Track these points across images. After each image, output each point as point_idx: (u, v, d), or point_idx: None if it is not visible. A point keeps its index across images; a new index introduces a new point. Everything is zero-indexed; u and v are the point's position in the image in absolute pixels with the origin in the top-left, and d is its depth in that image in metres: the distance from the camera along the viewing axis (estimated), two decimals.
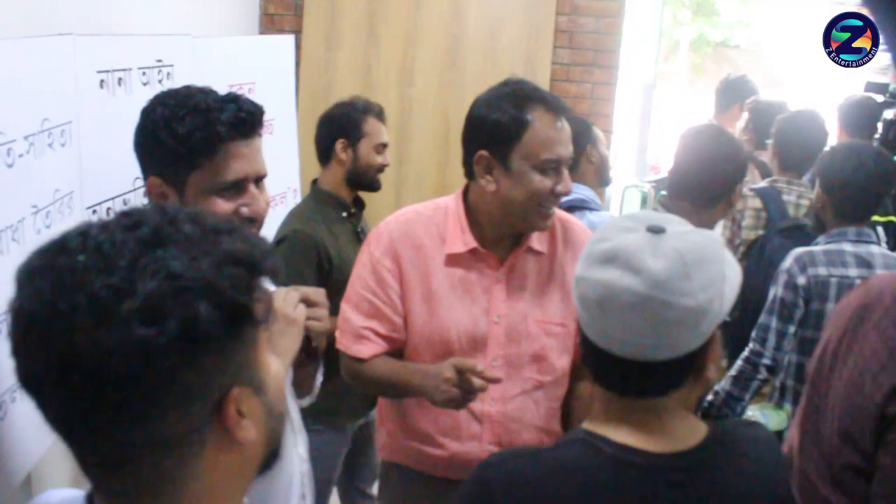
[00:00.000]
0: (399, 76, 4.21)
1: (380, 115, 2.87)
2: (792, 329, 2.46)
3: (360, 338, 1.86)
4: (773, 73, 11.68)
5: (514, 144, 1.74)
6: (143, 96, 2.13)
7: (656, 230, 1.11)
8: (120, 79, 2.02)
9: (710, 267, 1.10)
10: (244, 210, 1.48)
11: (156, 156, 1.50)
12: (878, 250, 2.51)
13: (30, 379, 0.73)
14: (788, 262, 2.50)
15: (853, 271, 2.44)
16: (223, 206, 1.47)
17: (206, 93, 1.53)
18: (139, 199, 2.16)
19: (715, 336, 1.14)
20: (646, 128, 5.32)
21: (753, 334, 2.52)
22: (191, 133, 1.46)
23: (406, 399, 1.89)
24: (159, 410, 0.71)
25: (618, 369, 1.13)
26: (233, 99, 1.51)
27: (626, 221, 1.16)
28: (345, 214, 2.73)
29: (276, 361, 0.84)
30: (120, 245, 0.71)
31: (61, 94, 1.72)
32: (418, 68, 4.20)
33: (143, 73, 2.15)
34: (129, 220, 0.75)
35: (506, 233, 1.85)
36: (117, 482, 0.76)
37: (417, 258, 1.85)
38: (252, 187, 1.52)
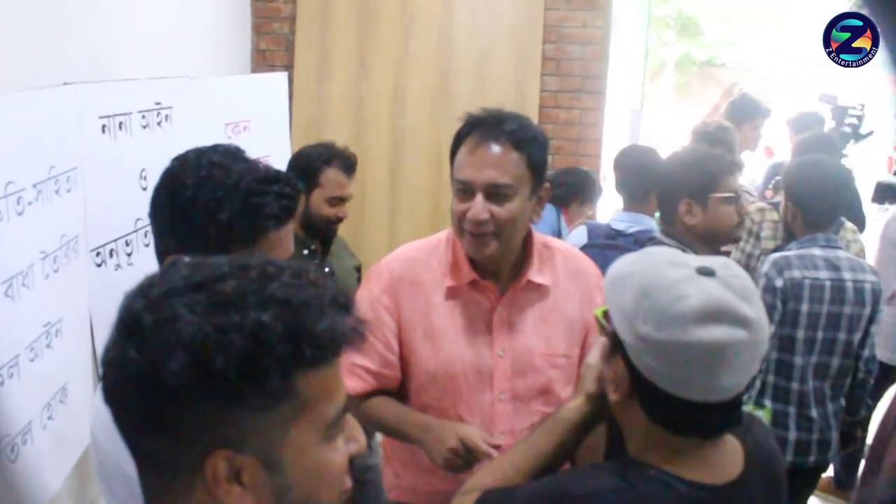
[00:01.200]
0: (390, 107, 4.27)
1: (347, 167, 2.76)
2: (772, 328, 2.58)
3: (351, 374, 1.85)
4: (759, 90, 11.82)
5: (452, 166, 1.78)
6: (144, 139, 2.20)
7: (708, 272, 1.15)
8: (121, 123, 2.08)
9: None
10: None
11: (183, 234, 1.37)
12: (844, 254, 2.70)
13: (103, 387, 0.82)
14: (766, 266, 2.67)
15: (823, 273, 2.62)
16: None
17: (245, 168, 1.43)
18: (140, 240, 2.20)
19: None
20: None
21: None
22: (232, 221, 1.38)
23: None
24: (153, 431, 0.78)
25: (699, 414, 1.15)
26: (274, 179, 1.44)
27: (673, 269, 1.17)
28: (306, 252, 2.71)
29: (334, 455, 0.84)
30: (162, 284, 0.80)
31: (66, 141, 1.77)
32: (409, 98, 4.26)
33: (143, 117, 2.21)
34: (195, 263, 0.83)
35: (500, 264, 1.84)
36: (146, 488, 0.82)
37: (417, 295, 1.84)
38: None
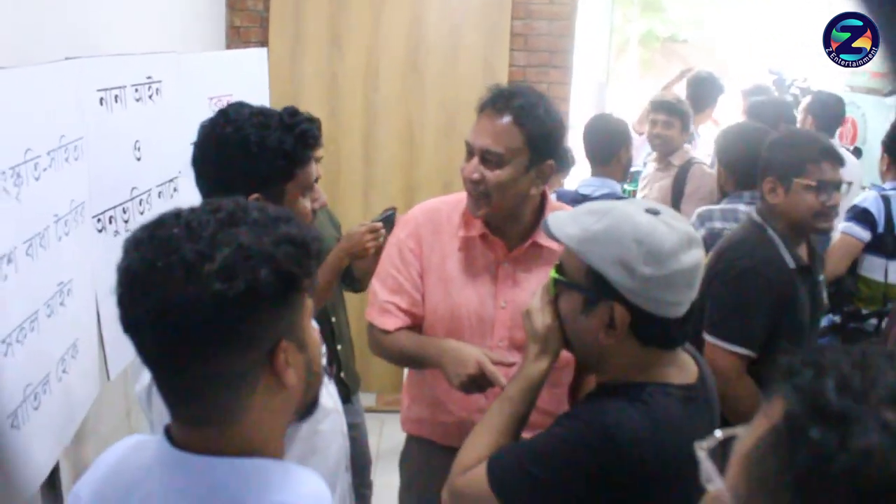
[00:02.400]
0: (364, 82, 4.38)
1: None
2: None
3: (385, 311, 2.06)
4: (722, 67, 12.02)
5: None
6: (137, 111, 2.31)
7: (654, 212, 1.37)
8: (116, 96, 2.18)
9: None
10: (315, 204, 1.79)
11: (251, 174, 1.65)
12: None
13: (130, 324, 0.93)
14: (692, 218, 2.95)
15: None
16: (306, 203, 1.76)
17: (273, 111, 1.77)
18: (135, 208, 2.32)
19: None
20: None
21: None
22: (291, 147, 1.71)
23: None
24: (225, 351, 0.92)
25: (674, 328, 1.37)
26: (297, 112, 1.77)
27: (638, 216, 1.36)
28: None
29: (315, 330, 1.06)
30: (204, 223, 0.93)
31: (72, 112, 1.87)
32: (382, 74, 4.38)
33: (136, 90, 2.32)
34: (210, 206, 0.97)
35: (503, 225, 2.01)
36: (191, 410, 0.97)
37: (436, 243, 2.05)
38: (316, 184, 1.83)
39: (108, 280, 2.04)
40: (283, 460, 1.03)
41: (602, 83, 5.08)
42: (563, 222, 1.43)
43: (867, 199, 3.37)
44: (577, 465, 1.33)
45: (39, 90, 1.73)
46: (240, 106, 1.80)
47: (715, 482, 0.71)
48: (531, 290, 1.98)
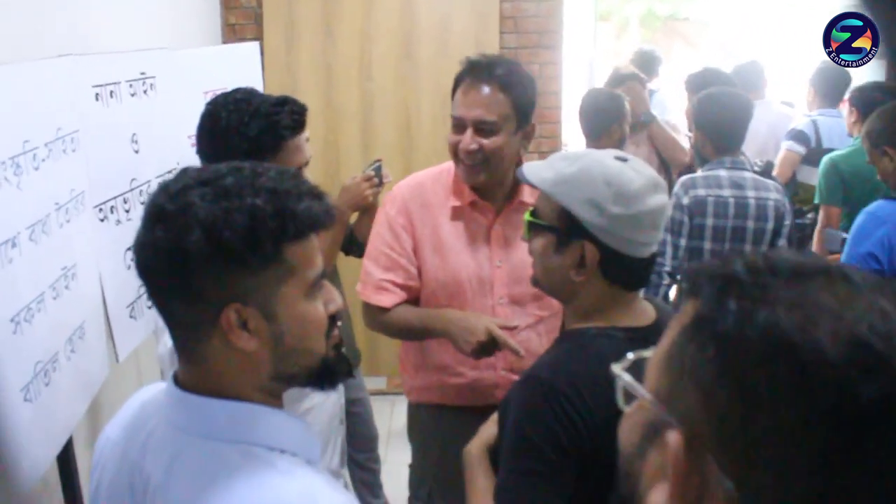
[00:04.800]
0: (358, 72, 4.47)
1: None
2: (683, 241, 2.94)
3: (381, 289, 2.14)
4: (723, 44, 12.00)
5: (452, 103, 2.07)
6: (132, 106, 2.41)
7: (623, 159, 1.47)
8: (111, 91, 2.28)
9: None
10: None
11: (222, 155, 1.70)
12: (750, 175, 3.00)
13: (135, 266, 1.04)
14: (676, 187, 3.00)
15: (727, 192, 2.94)
16: None
17: (262, 98, 1.88)
18: (136, 198, 2.42)
19: None
20: None
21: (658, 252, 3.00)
22: (259, 135, 1.82)
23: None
24: (170, 296, 1.03)
25: (639, 267, 1.47)
26: (284, 101, 1.87)
27: (608, 161, 1.45)
28: None
29: (315, 309, 1.08)
30: (180, 180, 1.04)
31: (67, 107, 1.97)
32: (375, 63, 4.46)
33: (130, 86, 2.42)
34: (209, 167, 1.07)
35: (493, 189, 2.12)
36: (178, 344, 1.08)
37: (427, 215, 2.14)
38: (303, 171, 1.90)
39: (111, 267, 2.16)
40: (273, 407, 1.10)
41: (592, 61, 5.16)
42: (537, 168, 1.53)
43: (802, 123, 4.26)
44: (543, 429, 1.37)
45: (36, 85, 1.83)
46: (234, 92, 1.95)
47: (636, 390, 0.74)
48: (522, 246, 2.11)
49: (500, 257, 2.13)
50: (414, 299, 2.18)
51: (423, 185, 2.19)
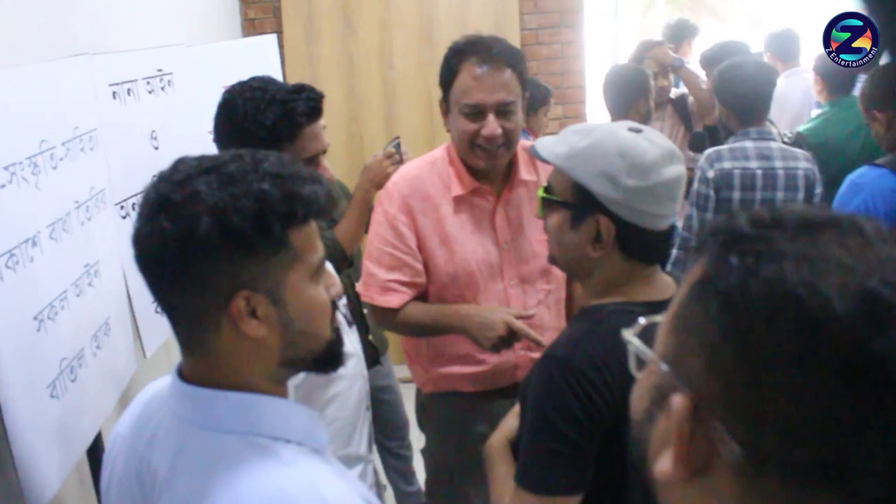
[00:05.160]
0: (379, 61, 4.47)
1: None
2: (709, 216, 2.88)
3: (388, 290, 2.10)
4: (753, 17, 11.79)
5: (449, 91, 2.03)
6: (150, 103, 2.43)
7: (637, 130, 1.43)
8: (129, 89, 2.30)
9: None
10: None
11: (240, 143, 1.71)
12: (777, 145, 2.93)
13: (136, 259, 1.04)
14: (701, 160, 2.94)
15: (754, 163, 2.87)
16: None
17: (278, 86, 1.86)
18: None
19: None
20: None
21: (681, 224, 2.93)
22: (275, 123, 1.81)
23: None
24: (179, 287, 1.01)
25: (656, 241, 1.44)
26: (300, 89, 1.87)
27: (622, 132, 1.42)
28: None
29: (319, 294, 1.08)
30: (183, 169, 1.03)
31: (84, 105, 1.99)
32: (396, 51, 4.45)
33: (148, 83, 2.43)
34: (211, 155, 1.06)
35: (498, 170, 2.10)
36: (178, 336, 1.07)
37: (428, 208, 2.10)
38: (322, 159, 1.90)
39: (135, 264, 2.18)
40: (279, 397, 1.09)
41: (616, 39, 5.10)
42: (550, 143, 1.49)
43: None
44: (563, 409, 1.35)
45: (52, 85, 1.85)
46: (251, 81, 1.95)
47: (644, 353, 0.73)
48: (525, 225, 2.12)
49: (505, 239, 2.11)
50: (421, 295, 2.16)
51: (420, 177, 2.14)
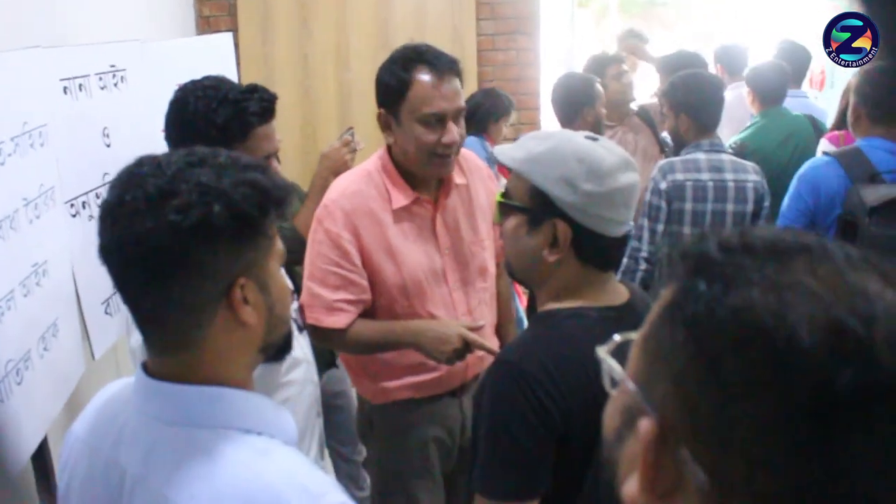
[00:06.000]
0: (335, 62, 4.44)
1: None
2: (660, 227, 2.93)
3: (334, 310, 2.05)
4: (702, 30, 12.00)
5: (401, 102, 1.98)
6: (102, 99, 2.37)
7: (593, 139, 1.45)
8: (80, 84, 2.25)
9: None
10: None
11: (191, 141, 1.72)
12: (728, 157, 2.99)
13: (102, 252, 1.01)
14: (654, 171, 2.98)
15: (705, 175, 2.92)
16: None
17: (231, 85, 1.87)
18: None
19: None
20: None
21: (631, 233, 2.97)
22: (227, 123, 1.81)
23: None
24: (181, 280, 0.99)
25: (611, 246, 1.45)
26: (253, 89, 1.87)
27: (578, 139, 1.44)
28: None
29: (285, 278, 1.12)
30: (172, 163, 1.01)
31: (34, 100, 1.94)
32: (352, 53, 4.43)
33: (100, 79, 2.38)
34: (187, 151, 1.05)
35: (429, 176, 2.09)
36: (158, 337, 1.05)
37: (371, 224, 2.06)
38: (273, 161, 1.89)
39: (85, 263, 2.12)
40: (246, 390, 1.09)
41: (572, 47, 5.14)
42: (508, 149, 1.50)
43: None
44: (517, 415, 1.35)
45: (1, 78, 1.79)
46: (203, 80, 1.93)
47: (616, 372, 0.72)
48: (461, 228, 2.15)
49: (446, 245, 2.13)
50: (365, 311, 2.13)
51: (360, 192, 2.08)
